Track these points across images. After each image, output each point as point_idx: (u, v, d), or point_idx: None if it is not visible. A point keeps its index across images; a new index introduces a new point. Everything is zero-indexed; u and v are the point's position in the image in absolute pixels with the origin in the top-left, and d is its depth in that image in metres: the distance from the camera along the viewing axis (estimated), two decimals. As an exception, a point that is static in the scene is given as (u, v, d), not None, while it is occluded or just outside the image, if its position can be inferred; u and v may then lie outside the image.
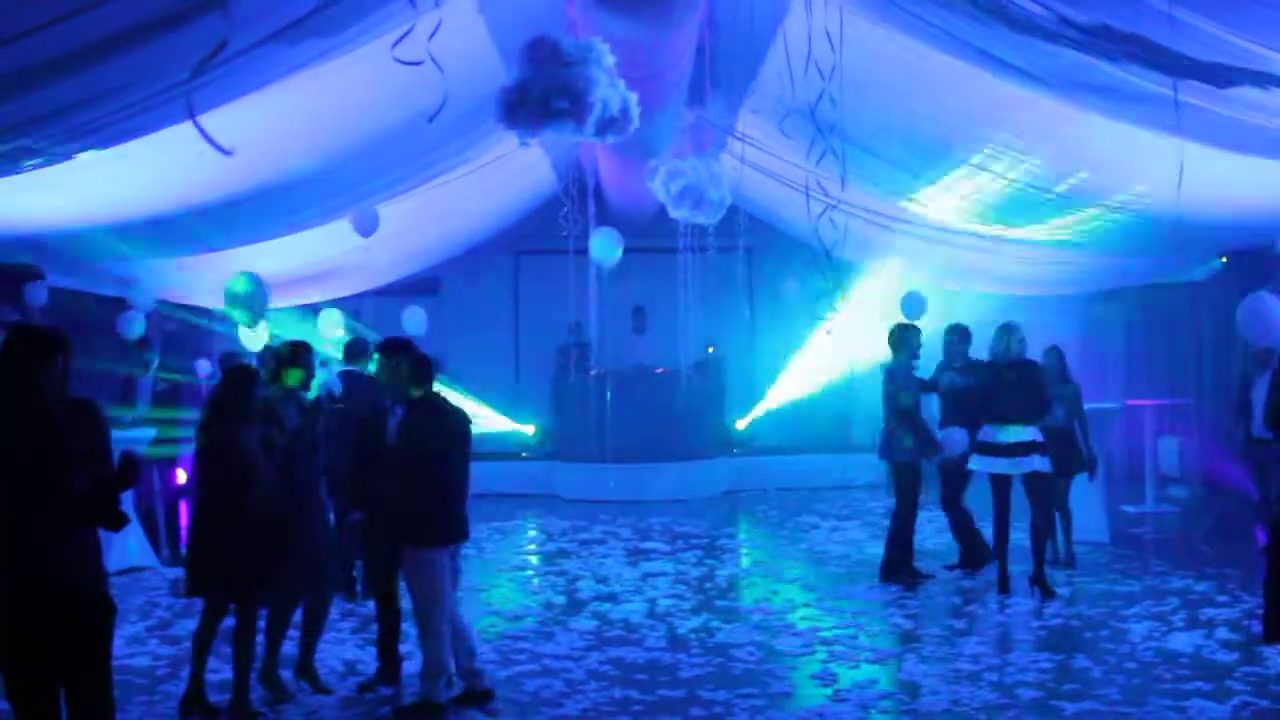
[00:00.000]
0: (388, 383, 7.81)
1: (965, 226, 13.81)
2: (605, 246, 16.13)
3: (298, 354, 7.99)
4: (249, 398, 7.45)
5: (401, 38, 7.09)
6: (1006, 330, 10.62)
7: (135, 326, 13.48)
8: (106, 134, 7.45)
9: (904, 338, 11.35)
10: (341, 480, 9.96)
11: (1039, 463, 10.36)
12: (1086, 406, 11.87)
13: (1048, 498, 10.69)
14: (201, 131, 6.13)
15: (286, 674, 7.94)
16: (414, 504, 7.42)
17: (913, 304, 14.62)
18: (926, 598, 10.56)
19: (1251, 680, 7.74)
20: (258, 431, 7.43)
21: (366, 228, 13.26)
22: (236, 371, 7.86)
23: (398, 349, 7.95)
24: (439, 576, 7.41)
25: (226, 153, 6.22)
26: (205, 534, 7.40)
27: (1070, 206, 11.65)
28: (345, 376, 11.01)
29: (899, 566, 11.12)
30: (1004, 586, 10.49)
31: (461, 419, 7.69)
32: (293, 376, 7.91)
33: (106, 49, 5.95)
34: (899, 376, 11.20)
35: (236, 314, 12.14)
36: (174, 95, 6.34)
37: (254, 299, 12.04)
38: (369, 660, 8.58)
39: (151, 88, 6.66)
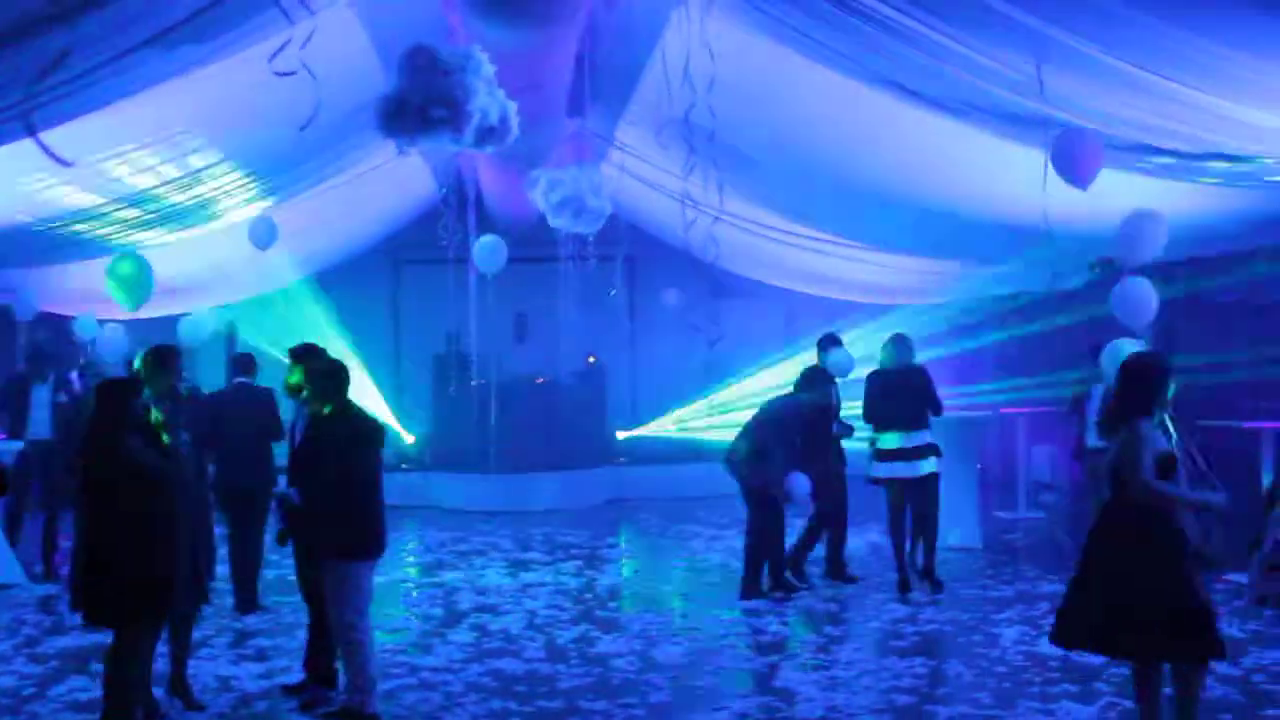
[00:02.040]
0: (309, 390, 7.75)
1: (840, 239, 14.01)
2: (490, 253, 16.08)
3: (165, 359, 7.83)
4: (133, 408, 7.17)
5: (279, 50, 7.03)
6: (896, 341, 11.10)
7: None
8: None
9: (818, 380, 11.23)
10: (237, 491, 9.95)
11: (934, 465, 10.86)
12: (960, 415, 12.14)
13: (937, 497, 11.08)
14: (40, 144, 6.01)
15: (158, 691, 7.78)
16: (331, 519, 7.35)
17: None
18: (803, 606, 10.66)
19: (1116, 681, 7.92)
20: (146, 441, 7.17)
21: (264, 240, 13.09)
22: (116, 383, 7.50)
23: (306, 357, 7.92)
24: (362, 591, 7.37)
25: (67, 164, 6.10)
26: (103, 555, 6.85)
27: (938, 217, 11.85)
28: (238, 389, 10.88)
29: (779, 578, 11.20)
30: (905, 586, 10.86)
31: (372, 429, 7.66)
32: (163, 381, 7.70)
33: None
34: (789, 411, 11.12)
35: (119, 295, 11.84)
36: (13, 113, 6.20)
37: (136, 279, 11.75)
38: (243, 676, 8.51)
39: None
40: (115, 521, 6.81)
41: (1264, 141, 7.50)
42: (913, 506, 10.99)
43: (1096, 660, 8.46)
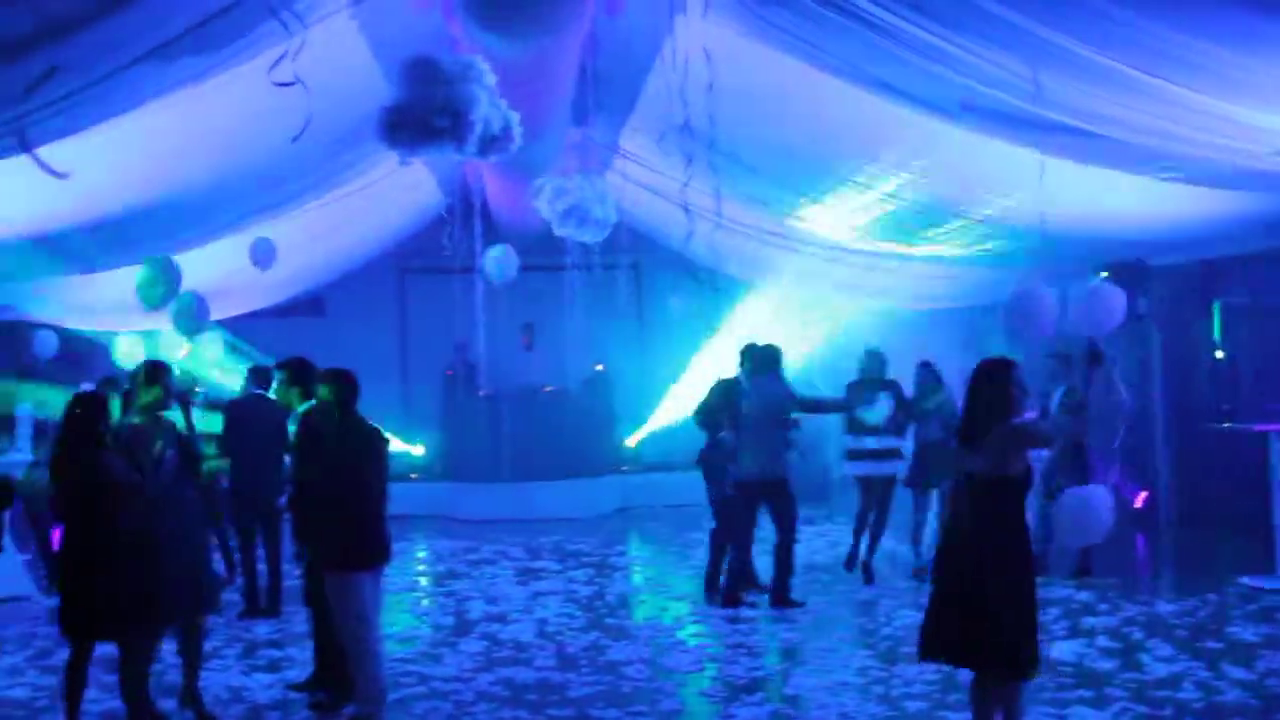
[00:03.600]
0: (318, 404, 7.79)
1: (845, 243, 13.97)
2: (501, 263, 16.07)
3: (154, 373, 7.85)
4: (104, 423, 7.22)
5: (278, 61, 7.02)
6: (872, 355, 12.01)
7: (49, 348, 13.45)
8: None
9: (771, 357, 11.35)
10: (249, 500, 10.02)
11: (898, 468, 11.83)
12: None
13: (891, 499, 11.93)
14: (34, 156, 6.01)
15: (170, 704, 7.78)
16: (334, 528, 7.36)
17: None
18: (815, 612, 10.63)
19: (1130, 686, 7.91)
20: (120, 456, 7.21)
21: (265, 260, 13.12)
22: (86, 398, 7.54)
23: (297, 368, 7.97)
24: (362, 600, 7.36)
25: (61, 176, 6.10)
26: (79, 569, 7.00)
27: (941, 221, 11.83)
28: (255, 400, 10.97)
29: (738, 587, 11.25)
30: (851, 565, 11.98)
31: (378, 440, 7.65)
32: (150, 395, 7.72)
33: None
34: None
35: (145, 295, 11.87)
36: (9, 130, 6.19)
37: (161, 280, 11.77)
38: (254, 687, 8.51)
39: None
40: (91, 536, 6.93)
41: (1260, 141, 7.46)
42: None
43: (1109, 665, 8.45)
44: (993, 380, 6.22)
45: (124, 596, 6.98)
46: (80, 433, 7.07)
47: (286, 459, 10.40)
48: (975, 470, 6.11)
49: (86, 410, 7.16)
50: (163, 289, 11.84)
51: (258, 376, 11.20)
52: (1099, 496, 8.58)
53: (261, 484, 10.60)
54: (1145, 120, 7.41)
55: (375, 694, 7.41)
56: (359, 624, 7.36)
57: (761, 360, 11.15)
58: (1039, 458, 10.94)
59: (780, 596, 10.76)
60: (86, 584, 6.95)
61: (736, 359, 11.47)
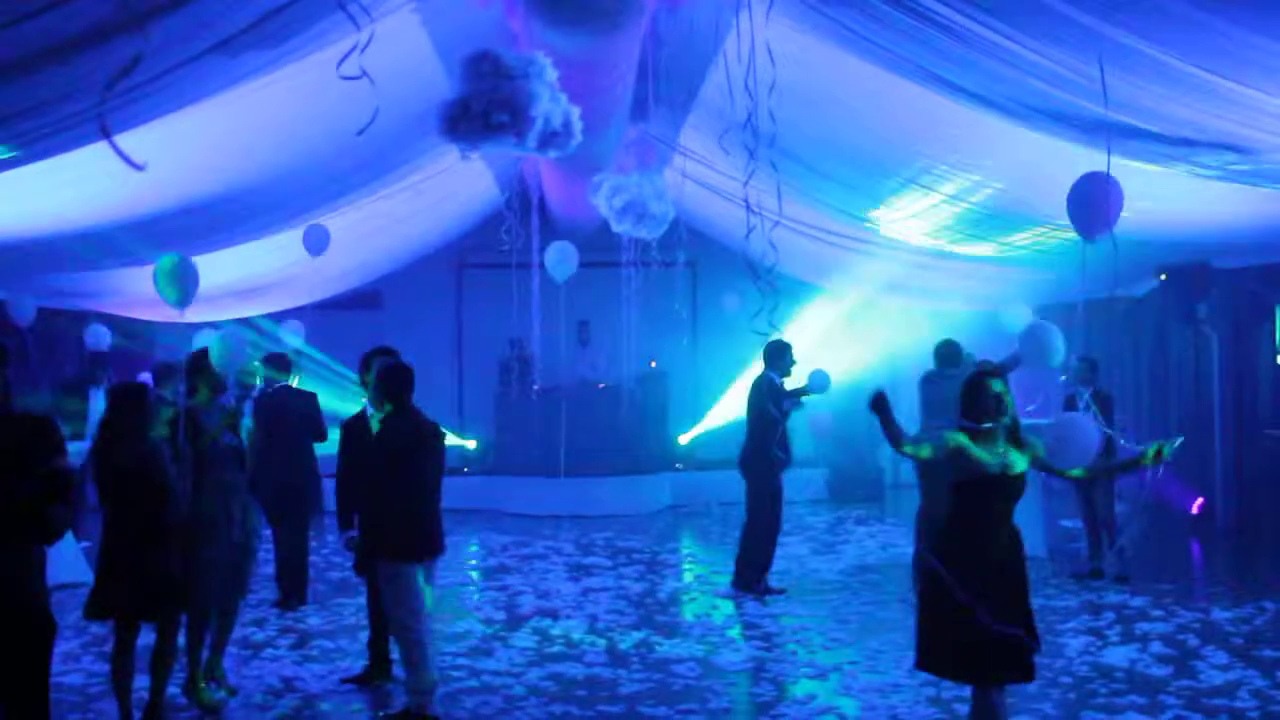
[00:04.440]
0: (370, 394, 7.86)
1: (907, 241, 13.91)
2: (561, 259, 16.11)
3: (198, 364, 8.02)
4: (149, 412, 7.36)
5: (347, 55, 7.04)
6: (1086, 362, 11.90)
7: (101, 340, 13.57)
8: (24, 153, 7.41)
9: (781, 352, 11.60)
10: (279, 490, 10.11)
11: None
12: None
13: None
14: (114, 147, 6.06)
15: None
16: (385, 519, 7.41)
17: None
18: (865, 612, 10.59)
19: (1185, 694, 7.83)
20: (166, 445, 7.36)
21: (318, 246, 13.19)
22: (134, 388, 7.68)
23: (369, 360, 8.03)
24: (413, 591, 7.39)
25: (139, 167, 6.15)
26: (123, 554, 7.16)
27: (1009, 225, 11.76)
28: (284, 391, 11.04)
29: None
30: None
31: (430, 432, 7.67)
32: (203, 384, 7.99)
33: (23, 67, 5.88)
34: (768, 388, 11.54)
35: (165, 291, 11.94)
36: (90, 115, 6.26)
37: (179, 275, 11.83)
38: (307, 677, 8.57)
39: (71, 106, 6.58)
40: (136, 521, 7.11)
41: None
42: None
43: (1163, 672, 8.37)
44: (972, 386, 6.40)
45: (166, 579, 7.16)
46: (127, 422, 7.20)
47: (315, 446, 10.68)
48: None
49: (132, 400, 7.32)
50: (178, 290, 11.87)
51: (279, 365, 11.25)
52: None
53: (290, 474, 10.68)
54: (1214, 122, 7.33)
55: (425, 685, 7.44)
56: (410, 615, 7.40)
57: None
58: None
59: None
60: (130, 567, 7.10)
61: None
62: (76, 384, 12.87)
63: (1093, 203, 7.41)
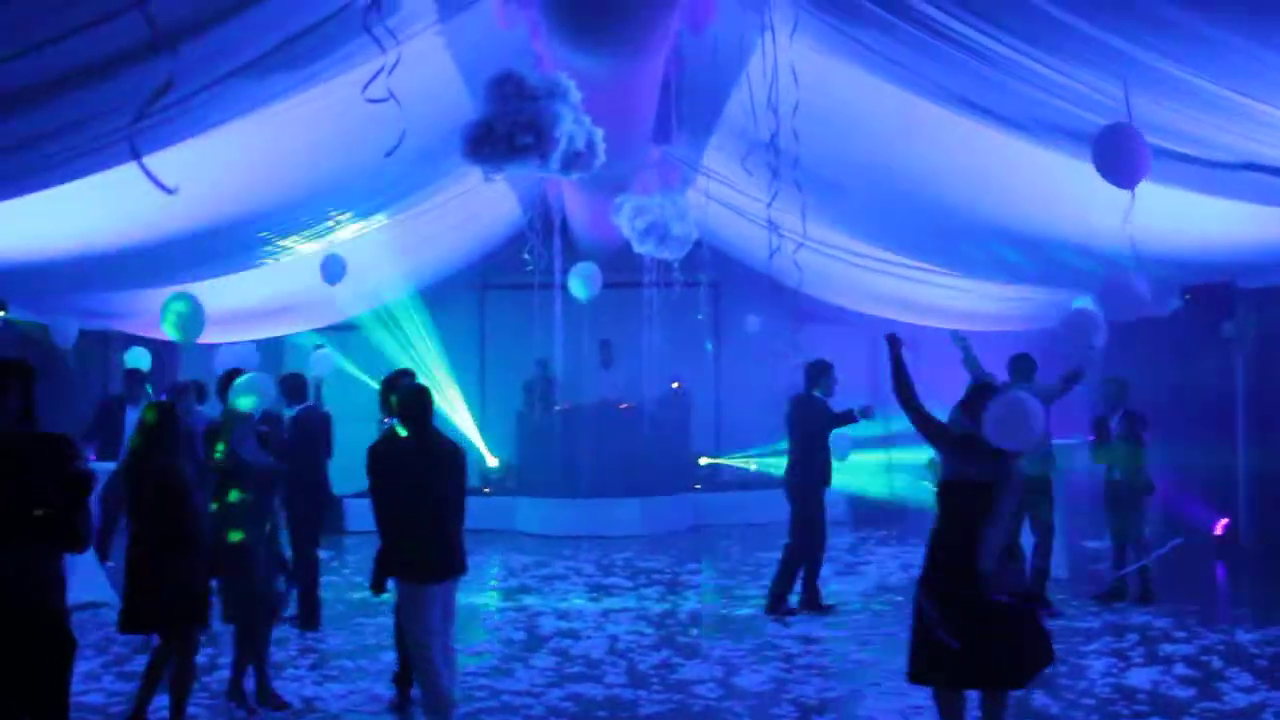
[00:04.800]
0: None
1: (925, 264, 13.93)
2: (586, 279, 16.14)
3: (228, 382, 8.24)
4: (178, 430, 7.52)
5: (374, 78, 7.09)
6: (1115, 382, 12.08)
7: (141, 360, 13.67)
8: (48, 175, 7.49)
9: (824, 371, 11.75)
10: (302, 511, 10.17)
11: None
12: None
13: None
14: (145, 170, 6.11)
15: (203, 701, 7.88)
16: (405, 539, 7.41)
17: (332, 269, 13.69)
18: (886, 632, 10.56)
19: (1208, 716, 7.79)
20: (192, 463, 7.51)
21: (334, 275, 13.25)
22: (164, 405, 7.88)
23: (389, 382, 8.06)
24: (429, 612, 7.39)
25: (169, 191, 6.21)
26: (145, 565, 7.33)
27: (1024, 242, 11.76)
28: (309, 412, 11.13)
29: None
30: None
31: (450, 453, 7.65)
32: (241, 403, 8.20)
33: (50, 91, 5.95)
34: (819, 408, 11.69)
35: (173, 332, 12.00)
36: (120, 136, 6.32)
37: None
38: (328, 697, 8.59)
39: (100, 127, 6.65)
40: (161, 535, 7.31)
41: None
42: None
43: (1186, 694, 8.33)
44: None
45: (185, 592, 7.32)
46: (153, 439, 7.37)
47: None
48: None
49: (159, 418, 7.51)
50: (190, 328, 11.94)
51: (294, 389, 11.30)
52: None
53: (301, 495, 10.65)
54: (1238, 142, 7.32)
55: (441, 705, 7.43)
56: (425, 635, 7.39)
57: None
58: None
59: None
60: (155, 580, 7.26)
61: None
62: (115, 403, 12.93)
63: (1121, 153, 7.42)
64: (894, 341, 6.99)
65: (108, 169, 7.44)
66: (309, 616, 10.79)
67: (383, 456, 7.60)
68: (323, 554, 13.98)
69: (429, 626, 7.41)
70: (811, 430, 11.54)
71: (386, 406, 8.30)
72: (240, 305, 14.19)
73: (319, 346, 15.63)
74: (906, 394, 6.84)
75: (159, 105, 5.90)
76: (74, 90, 5.99)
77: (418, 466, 7.47)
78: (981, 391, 6.76)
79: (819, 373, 11.65)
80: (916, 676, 6.76)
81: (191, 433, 8.01)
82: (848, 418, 11.79)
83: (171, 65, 5.68)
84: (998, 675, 6.52)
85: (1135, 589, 11.59)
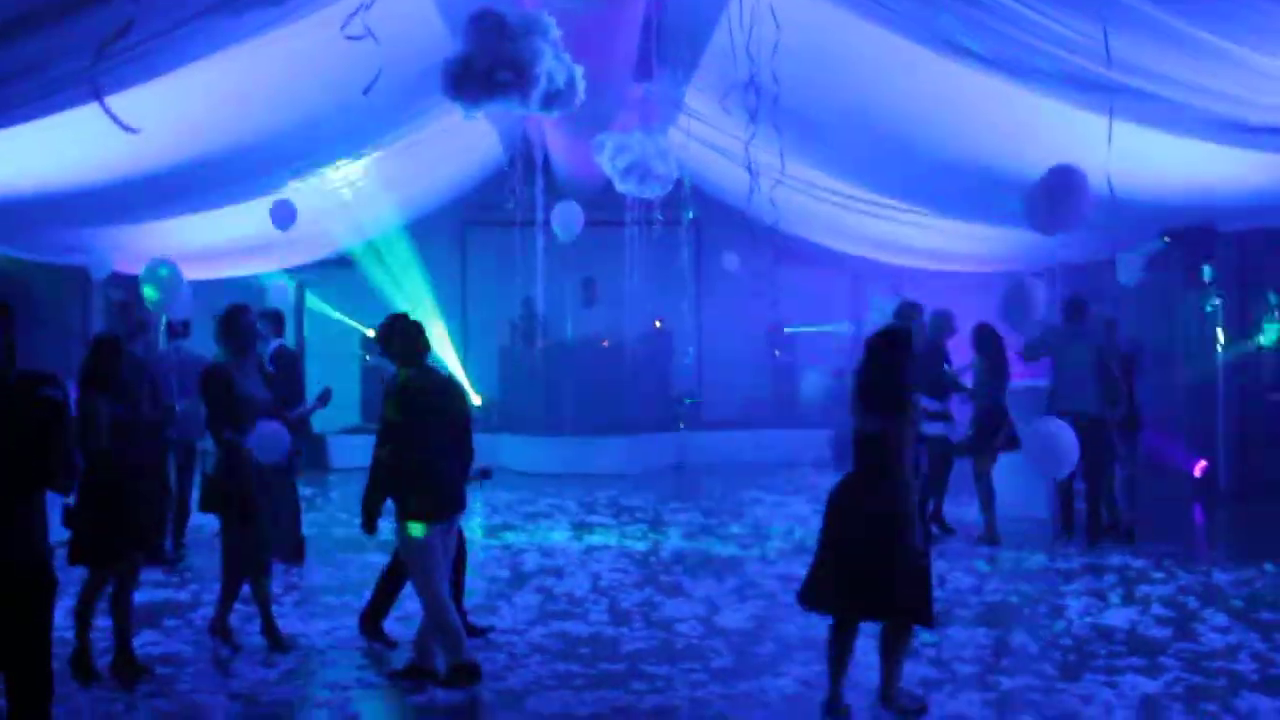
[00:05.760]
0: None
1: (896, 201, 13.92)
2: (568, 218, 16.08)
3: (228, 319, 8.16)
4: (112, 368, 7.44)
5: (352, 15, 7.01)
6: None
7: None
8: (16, 113, 7.41)
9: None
10: None
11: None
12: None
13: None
14: (107, 110, 6.05)
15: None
16: (396, 478, 7.37)
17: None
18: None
19: (1184, 656, 7.85)
20: (108, 403, 7.40)
21: (284, 221, 13.21)
22: (95, 340, 7.78)
23: (390, 325, 7.95)
24: (427, 550, 7.34)
25: (132, 130, 6.15)
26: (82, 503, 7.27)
27: (1001, 182, 11.73)
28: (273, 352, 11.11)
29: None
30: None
31: (444, 390, 7.60)
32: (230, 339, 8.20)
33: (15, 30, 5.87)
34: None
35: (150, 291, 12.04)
36: (84, 75, 6.25)
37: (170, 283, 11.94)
38: (313, 634, 8.61)
39: (63, 67, 6.57)
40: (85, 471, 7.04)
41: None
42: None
43: (1163, 634, 8.39)
44: (894, 350, 6.76)
45: (119, 527, 7.36)
46: (84, 374, 7.39)
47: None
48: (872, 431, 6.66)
49: (91, 352, 7.50)
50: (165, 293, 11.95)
51: (277, 322, 11.30)
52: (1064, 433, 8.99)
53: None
54: (1215, 83, 7.29)
55: (460, 641, 7.39)
56: (429, 575, 7.34)
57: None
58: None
59: None
60: (83, 516, 7.22)
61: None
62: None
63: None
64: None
65: (75, 107, 7.36)
66: (293, 552, 10.80)
67: (418, 393, 7.47)
68: (306, 491, 14.08)
69: (427, 563, 7.34)
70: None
71: (386, 347, 8.17)
72: (214, 242, 14.16)
73: (276, 282, 15.66)
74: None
75: (130, 41, 5.82)
76: (39, 29, 5.91)
77: (449, 400, 7.45)
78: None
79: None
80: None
81: (143, 367, 7.95)
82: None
83: (136, 4, 5.60)
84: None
85: (1124, 529, 11.64)
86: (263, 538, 8.14)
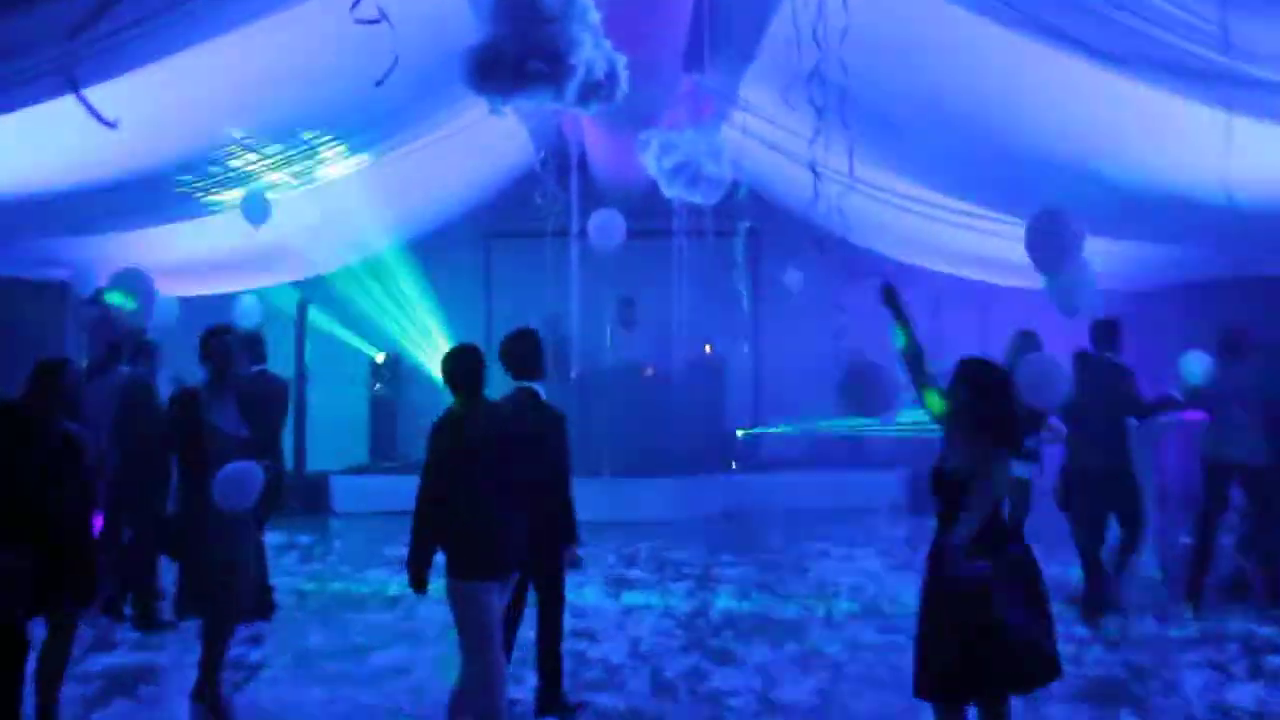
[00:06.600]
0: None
1: (988, 211, 13.83)
2: (607, 227, 16.07)
3: (201, 341, 8.26)
4: (54, 393, 7.55)
5: (359, -1, 7.03)
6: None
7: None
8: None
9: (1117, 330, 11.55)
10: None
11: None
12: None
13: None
14: (85, 104, 6.08)
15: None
16: (444, 529, 7.27)
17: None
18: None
19: (1321, 739, 7.75)
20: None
21: (257, 216, 13.23)
22: (38, 366, 7.79)
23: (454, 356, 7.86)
24: (481, 612, 7.17)
25: (111, 125, 6.18)
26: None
27: (1108, 189, 11.64)
28: (252, 378, 11.08)
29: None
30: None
31: (502, 428, 7.50)
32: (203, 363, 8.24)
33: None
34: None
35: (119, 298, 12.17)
36: (59, 61, 6.29)
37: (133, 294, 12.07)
38: (308, 705, 8.62)
39: (37, 54, 6.60)
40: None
41: None
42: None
43: (1295, 712, 8.27)
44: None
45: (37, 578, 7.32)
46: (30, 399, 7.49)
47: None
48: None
49: (32, 378, 7.59)
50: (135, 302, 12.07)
51: (254, 348, 11.34)
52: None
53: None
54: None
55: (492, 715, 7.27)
56: (483, 638, 7.22)
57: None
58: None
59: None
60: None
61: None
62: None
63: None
64: (890, 293, 6.87)
65: (55, 98, 7.41)
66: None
67: (484, 429, 7.34)
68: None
69: (486, 628, 7.17)
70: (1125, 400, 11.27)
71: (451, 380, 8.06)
72: (215, 251, 14.26)
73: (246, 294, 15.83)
74: (916, 361, 6.78)
75: (112, 28, 5.85)
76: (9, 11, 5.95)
77: (455, 443, 7.31)
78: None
79: (1109, 332, 11.46)
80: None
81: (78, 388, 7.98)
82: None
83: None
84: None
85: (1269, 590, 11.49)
86: (217, 584, 8.03)
